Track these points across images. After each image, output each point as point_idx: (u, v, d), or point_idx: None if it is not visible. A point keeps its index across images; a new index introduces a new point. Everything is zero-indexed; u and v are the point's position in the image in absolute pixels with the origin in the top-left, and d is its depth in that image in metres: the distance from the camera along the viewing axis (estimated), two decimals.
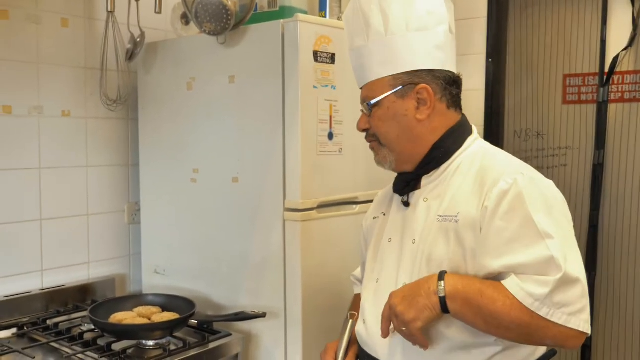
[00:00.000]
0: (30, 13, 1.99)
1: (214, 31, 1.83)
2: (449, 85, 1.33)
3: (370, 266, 1.44)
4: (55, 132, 2.07)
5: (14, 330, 1.85)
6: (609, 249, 2.60)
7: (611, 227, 2.59)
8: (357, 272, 1.65)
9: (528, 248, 1.14)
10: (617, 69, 2.54)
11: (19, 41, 1.97)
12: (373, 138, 1.38)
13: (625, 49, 2.52)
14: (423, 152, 1.33)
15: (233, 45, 1.88)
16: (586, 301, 1.16)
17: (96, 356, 1.64)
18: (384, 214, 1.46)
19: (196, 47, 2.00)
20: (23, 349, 1.68)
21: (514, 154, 1.36)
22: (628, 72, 2.53)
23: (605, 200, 2.59)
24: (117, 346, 1.68)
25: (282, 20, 1.77)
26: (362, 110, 1.39)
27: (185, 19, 2.13)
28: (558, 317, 1.12)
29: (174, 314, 1.82)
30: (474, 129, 1.39)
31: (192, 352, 1.70)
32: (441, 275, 1.19)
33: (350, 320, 1.46)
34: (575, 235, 1.23)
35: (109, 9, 2.04)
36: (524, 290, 1.12)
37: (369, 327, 1.36)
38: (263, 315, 1.79)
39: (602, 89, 2.57)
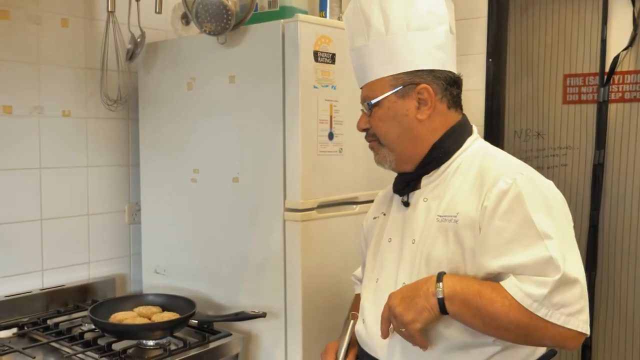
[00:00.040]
0: (30, 13, 1.99)
1: (214, 31, 1.83)
2: (450, 85, 1.33)
3: (370, 266, 1.44)
4: (56, 132, 2.07)
5: (15, 330, 1.85)
6: (609, 249, 2.60)
7: (611, 227, 2.59)
8: (358, 272, 1.65)
9: (527, 248, 1.14)
10: (618, 69, 2.54)
11: (19, 41, 1.97)
12: (373, 138, 1.38)
13: (626, 48, 2.51)
14: (423, 152, 1.33)
15: (233, 45, 1.88)
16: (585, 302, 1.16)
17: (96, 356, 1.64)
18: (384, 214, 1.46)
19: (196, 47, 2.00)
20: (23, 348, 1.68)
21: (514, 154, 1.36)
22: (628, 72, 2.53)
23: (606, 200, 2.59)
24: (118, 346, 1.68)
25: (282, 20, 1.77)
26: (362, 110, 1.39)
27: (185, 19, 2.13)
28: (557, 318, 1.12)
29: (174, 314, 1.82)
30: (474, 129, 1.39)
31: (193, 352, 1.70)
32: (440, 277, 1.19)
33: (352, 321, 1.46)
34: (576, 235, 1.23)
35: (109, 9, 2.04)
36: (522, 291, 1.12)
37: (368, 327, 1.37)
38: (263, 315, 1.79)
39: (602, 89, 2.57)
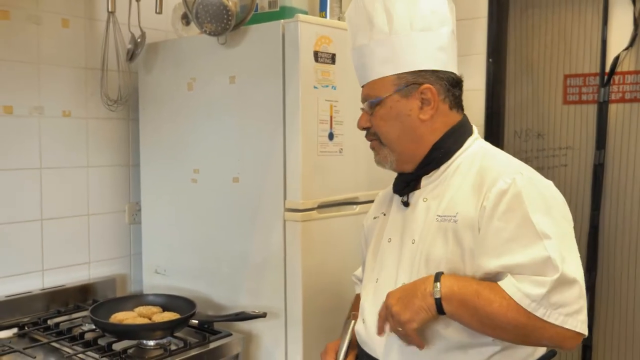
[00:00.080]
0: (31, 13, 1.99)
1: (214, 31, 1.83)
2: (452, 86, 1.34)
3: (370, 266, 1.44)
4: (56, 132, 2.08)
5: (15, 330, 1.85)
6: (609, 249, 2.60)
7: (612, 227, 2.59)
8: (359, 272, 1.65)
9: (525, 248, 1.14)
10: (618, 69, 2.54)
11: (19, 41, 1.97)
12: (374, 137, 1.37)
13: (626, 49, 2.52)
14: (423, 153, 1.33)
15: (233, 46, 1.88)
16: (583, 302, 1.16)
17: (97, 356, 1.64)
18: (384, 214, 1.46)
19: (197, 47, 2.00)
20: (24, 348, 1.68)
21: (514, 154, 1.36)
22: (629, 72, 2.53)
23: (606, 200, 2.59)
24: (118, 346, 1.68)
25: (282, 20, 1.77)
26: (362, 109, 1.39)
27: (185, 19, 2.14)
28: (555, 318, 1.12)
29: (175, 314, 1.82)
30: (475, 129, 1.39)
31: (193, 352, 1.70)
32: (437, 277, 1.19)
33: (352, 321, 1.46)
34: (576, 235, 1.24)
35: (110, 10, 2.04)
36: (520, 290, 1.12)
37: (368, 327, 1.37)
38: (263, 315, 1.79)
39: (602, 89, 2.57)
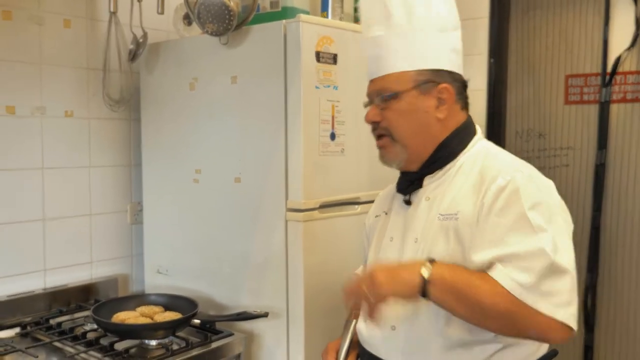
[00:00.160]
0: (32, 14, 1.99)
1: (216, 32, 1.83)
2: (463, 89, 1.35)
3: (370, 264, 1.45)
4: (58, 132, 2.08)
5: (17, 329, 1.85)
6: (610, 249, 2.60)
7: (613, 227, 2.59)
8: (359, 270, 1.65)
9: (519, 240, 1.15)
10: (620, 69, 2.54)
11: (21, 42, 1.98)
12: (385, 132, 1.34)
13: (628, 49, 2.51)
14: (430, 152, 1.33)
15: (235, 46, 1.88)
16: (575, 296, 1.15)
17: (99, 355, 1.64)
18: (386, 213, 1.46)
19: (198, 47, 2.00)
20: (26, 348, 1.68)
21: (516, 154, 1.37)
22: (630, 72, 2.53)
23: (607, 200, 2.59)
24: (120, 345, 1.69)
25: (284, 20, 1.77)
26: (368, 103, 1.37)
27: (187, 19, 2.14)
28: (544, 307, 1.11)
29: (177, 313, 1.82)
30: (478, 129, 1.40)
31: (195, 352, 1.70)
32: (432, 261, 1.19)
33: (354, 320, 1.46)
34: (577, 236, 1.24)
35: (112, 10, 2.05)
36: (510, 277, 1.12)
37: (369, 325, 1.37)
38: (265, 315, 1.79)
39: (604, 89, 2.57)
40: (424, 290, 1.15)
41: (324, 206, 1.82)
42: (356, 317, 1.46)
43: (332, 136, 1.83)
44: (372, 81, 1.37)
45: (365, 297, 1.18)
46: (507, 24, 2.72)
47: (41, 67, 2.03)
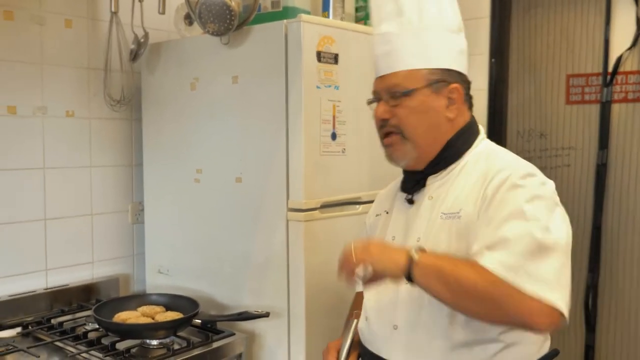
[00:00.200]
0: (34, 14, 1.99)
1: (217, 31, 1.83)
2: (469, 89, 1.36)
3: None
4: (59, 132, 2.08)
5: (19, 329, 1.85)
6: (612, 249, 2.60)
7: (614, 227, 2.58)
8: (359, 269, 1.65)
9: (510, 227, 1.14)
10: (621, 69, 2.54)
11: (23, 42, 1.98)
12: (395, 130, 1.33)
13: (629, 49, 2.51)
14: (437, 151, 1.33)
15: (236, 46, 1.88)
16: (565, 279, 1.12)
17: (100, 355, 1.65)
18: (387, 212, 1.46)
19: (199, 47, 2.00)
20: (28, 347, 1.69)
21: (517, 154, 1.37)
22: (632, 72, 2.53)
23: (609, 200, 2.59)
24: (121, 345, 1.69)
25: (285, 20, 1.77)
26: (373, 100, 1.36)
27: (188, 19, 2.14)
28: (529, 287, 1.08)
29: (178, 313, 1.82)
30: (481, 129, 1.40)
31: (196, 352, 1.70)
32: (422, 249, 1.19)
33: (355, 320, 1.46)
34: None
35: (113, 10, 2.05)
36: (495, 259, 1.11)
37: (371, 325, 1.37)
38: (266, 315, 1.79)
39: (605, 89, 2.57)
40: (409, 272, 1.15)
41: (325, 206, 1.82)
42: (357, 317, 1.46)
43: (333, 136, 1.83)
44: (381, 78, 1.35)
45: (350, 256, 1.20)
46: (508, 24, 2.72)
47: (42, 67, 2.03)
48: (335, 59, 1.81)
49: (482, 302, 1.12)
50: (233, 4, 1.79)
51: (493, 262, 1.11)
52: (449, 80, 1.31)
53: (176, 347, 1.72)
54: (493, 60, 2.62)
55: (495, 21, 2.62)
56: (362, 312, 1.43)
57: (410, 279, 1.15)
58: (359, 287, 1.64)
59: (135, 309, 1.86)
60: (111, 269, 2.25)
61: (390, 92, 1.32)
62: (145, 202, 2.25)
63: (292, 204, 1.77)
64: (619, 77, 2.55)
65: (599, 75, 2.60)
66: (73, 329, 1.83)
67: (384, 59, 1.35)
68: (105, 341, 1.71)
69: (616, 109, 2.57)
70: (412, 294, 1.28)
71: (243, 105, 1.88)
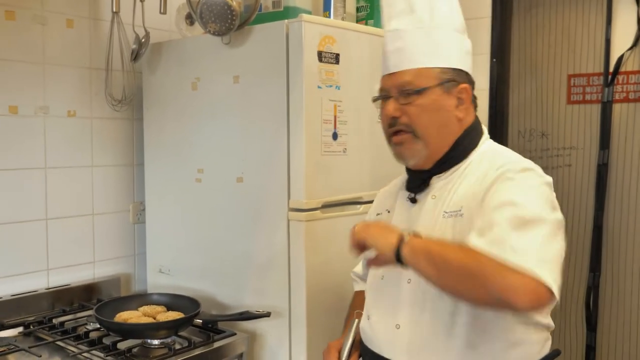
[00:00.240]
0: (36, 14, 1.99)
1: (218, 31, 1.83)
2: (474, 90, 1.37)
3: None
4: (61, 132, 2.08)
5: (20, 329, 1.85)
6: (613, 249, 2.59)
7: (616, 227, 2.58)
8: (357, 268, 1.66)
9: (500, 213, 1.14)
10: (622, 69, 2.54)
11: (24, 42, 1.98)
12: (405, 128, 1.32)
13: (630, 48, 2.51)
14: (445, 150, 1.33)
15: (237, 46, 1.88)
16: (552, 254, 1.08)
17: (102, 355, 1.65)
18: (388, 211, 1.46)
19: (201, 47, 2.00)
20: (29, 347, 1.69)
21: (518, 153, 1.37)
22: (633, 72, 2.53)
23: (610, 200, 2.59)
24: (123, 345, 1.69)
25: (286, 20, 1.77)
26: (380, 97, 1.35)
27: (189, 19, 2.14)
28: (513, 259, 1.04)
29: (179, 313, 1.82)
30: (485, 129, 1.40)
31: (197, 352, 1.70)
32: (416, 233, 1.20)
33: (356, 320, 1.47)
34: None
35: (114, 10, 2.05)
36: (482, 239, 1.11)
37: (373, 324, 1.37)
38: (267, 314, 1.79)
39: (606, 89, 2.57)
40: (399, 251, 1.14)
41: (326, 206, 1.82)
42: (359, 317, 1.46)
43: (335, 136, 1.83)
44: (390, 75, 1.34)
45: (354, 232, 1.25)
46: (509, 24, 2.72)
47: (44, 66, 2.03)
48: (336, 58, 1.81)
49: (465, 278, 1.09)
50: (234, 3, 1.79)
51: (480, 242, 1.11)
52: (458, 80, 1.32)
53: (177, 347, 1.72)
54: (494, 60, 2.62)
55: (496, 21, 2.62)
56: (365, 312, 1.43)
57: (400, 259, 1.15)
58: (358, 287, 1.64)
59: (136, 308, 1.86)
60: (112, 268, 2.25)
61: (401, 90, 1.31)
62: (147, 202, 2.25)
63: (293, 203, 1.77)
64: (620, 77, 2.55)
65: (600, 75, 2.60)
66: (74, 329, 1.83)
67: (394, 56, 1.33)
68: (107, 341, 1.71)
69: (617, 108, 2.57)
70: (415, 293, 1.28)
71: (244, 105, 1.88)
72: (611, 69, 2.55)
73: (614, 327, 2.61)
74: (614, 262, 2.59)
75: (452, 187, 1.31)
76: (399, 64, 1.32)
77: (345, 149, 1.87)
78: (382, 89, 1.36)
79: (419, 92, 1.29)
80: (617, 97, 2.56)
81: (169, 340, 1.74)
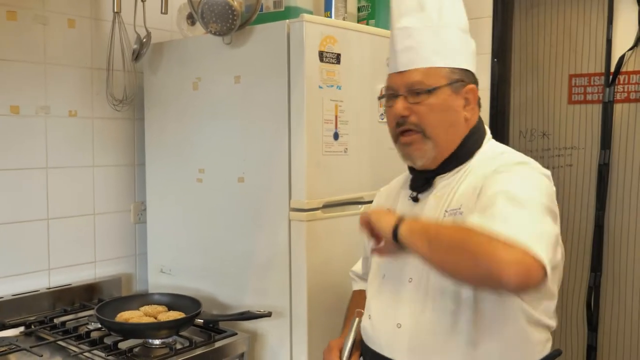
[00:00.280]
0: (37, 14, 2.00)
1: (219, 31, 1.83)
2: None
3: (376, 262, 1.45)
4: (62, 132, 2.08)
5: (22, 328, 1.86)
6: (614, 249, 2.59)
7: (617, 227, 2.58)
8: (356, 267, 1.66)
9: (495, 200, 1.13)
10: (623, 69, 2.54)
11: (26, 42, 1.98)
12: (414, 128, 1.31)
13: (631, 48, 2.51)
14: (452, 150, 1.33)
15: (239, 46, 1.88)
16: (545, 231, 1.07)
17: (103, 355, 1.65)
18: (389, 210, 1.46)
19: (202, 47, 2.00)
20: (30, 347, 1.69)
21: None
22: (634, 72, 2.52)
23: (611, 200, 2.59)
24: (124, 345, 1.69)
25: (287, 20, 1.77)
26: (387, 95, 1.35)
27: (191, 19, 2.14)
28: (504, 230, 1.02)
29: (180, 313, 1.82)
30: (487, 129, 1.41)
31: (198, 351, 1.70)
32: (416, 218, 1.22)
33: (357, 319, 1.46)
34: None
35: (115, 10, 2.05)
36: (477, 216, 1.11)
37: (374, 323, 1.37)
38: (268, 314, 1.79)
39: (607, 89, 2.57)
40: (396, 230, 1.15)
41: (327, 206, 1.82)
42: (359, 315, 1.46)
43: (336, 136, 1.83)
44: (399, 74, 1.33)
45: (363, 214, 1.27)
46: (510, 23, 2.72)
47: (45, 66, 2.03)
48: (337, 58, 1.81)
49: (456, 252, 1.07)
50: (235, 3, 1.79)
51: (475, 218, 1.11)
52: (466, 80, 1.32)
53: (178, 346, 1.72)
54: (495, 60, 2.62)
55: (497, 21, 2.62)
56: (366, 311, 1.43)
57: (397, 238, 1.15)
58: (357, 286, 1.64)
59: (137, 308, 1.86)
60: (114, 268, 2.25)
61: (411, 89, 1.30)
62: (148, 202, 2.25)
63: (294, 203, 1.77)
64: (621, 77, 2.54)
65: (601, 75, 2.59)
66: (75, 329, 1.84)
67: (403, 55, 1.32)
68: (108, 341, 1.71)
69: (618, 108, 2.57)
70: (416, 292, 1.29)
71: (245, 105, 1.88)
72: (612, 69, 2.55)
73: (615, 327, 2.61)
74: (615, 262, 2.59)
75: (454, 187, 1.32)
76: (408, 62, 1.31)
77: (346, 149, 1.87)
78: (389, 88, 1.35)
79: (430, 91, 1.28)
80: (618, 97, 2.56)
81: (170, 340, 1.74)
